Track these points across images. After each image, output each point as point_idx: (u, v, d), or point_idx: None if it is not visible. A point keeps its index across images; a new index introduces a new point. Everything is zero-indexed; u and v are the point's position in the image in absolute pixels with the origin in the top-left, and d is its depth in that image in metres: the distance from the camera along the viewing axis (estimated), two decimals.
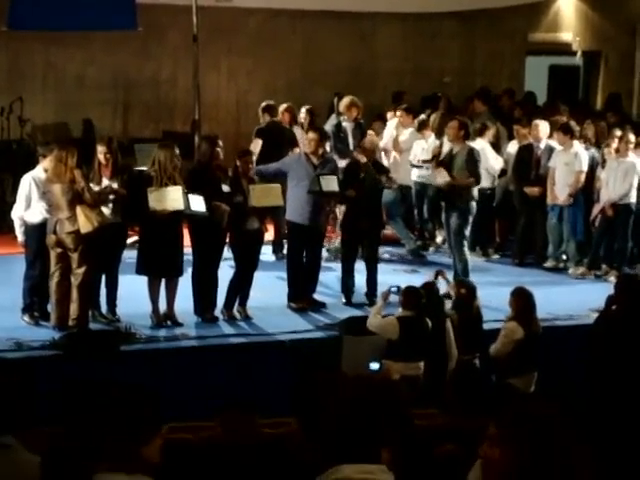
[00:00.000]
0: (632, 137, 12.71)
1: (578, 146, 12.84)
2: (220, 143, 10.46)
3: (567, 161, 12.71)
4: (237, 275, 10.46)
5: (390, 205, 13.11)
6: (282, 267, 11.55)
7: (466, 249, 11.76)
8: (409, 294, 9.09)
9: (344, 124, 13.59)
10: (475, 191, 11.73)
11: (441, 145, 13.12)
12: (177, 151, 10.08)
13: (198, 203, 9.89)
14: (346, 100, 13.65)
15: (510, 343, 8.87)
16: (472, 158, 11.62)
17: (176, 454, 5.26)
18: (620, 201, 12.52)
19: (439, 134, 13.40)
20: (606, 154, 12.95)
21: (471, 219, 11.70)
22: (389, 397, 3.39)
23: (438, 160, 12.30)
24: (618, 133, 13.12)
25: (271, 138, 12.81)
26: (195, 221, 10.09)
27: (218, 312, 10.37)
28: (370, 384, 3.45)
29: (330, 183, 10.75)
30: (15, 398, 4.03)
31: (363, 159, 11.20)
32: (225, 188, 10.26)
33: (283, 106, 13.65)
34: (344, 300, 11.16)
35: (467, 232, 11.73)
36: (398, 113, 14.30)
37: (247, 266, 10.45)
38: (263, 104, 13.59)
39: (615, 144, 12.87)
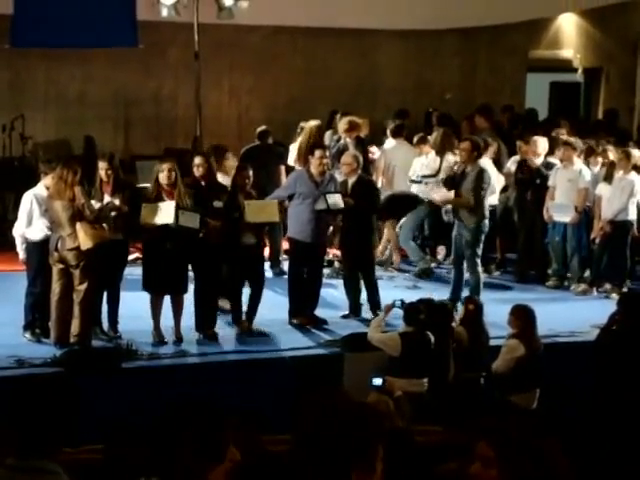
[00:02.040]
0: (637, 153, 12.69)
1: (580, 163, 12.81)
2: (199, 160, 10.45)
3: (570, 178, 12.64)
4: (251, 291, 10.47)
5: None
6: (282, 283, 11.53)
7: (479, 267, 11.65)
8: (408, 310, 9.11)
9: (345, 139, 13.56)
10: (487, 210, 11.65)
11: (441, 162, 13.15)
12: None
13: (191, 219, 9.86)
14: (343, 124, 13.51)
15: (511, 360, 8.87)
16: (479, 181, 11.42)
17: None
18: (617, 218, 12.48)
19: (441, 151, 13.35)
20: (597, 170, 12.98)
21: (483, 237, 11.61)
22: (363, 426, 3.08)
23: (451, 180, 12.06)
24: (610, 152, 13.12)
25: (257, 160, 12.61)
26: (193, 238, 10.04)
27: (217, 328, 10.35)
28: (345, 408, 3.14)
29: (336, 200, 10.75)
30: (60, 417, 3.54)
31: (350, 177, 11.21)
32: (217, 204, 10.24)
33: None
34: (348, 312, 11.16)
35: (479, 250, 11.62)
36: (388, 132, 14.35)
37: (253, 282, 10.47)
38: (259, 129, 13.70)
39: (602, 158, 12.97)
